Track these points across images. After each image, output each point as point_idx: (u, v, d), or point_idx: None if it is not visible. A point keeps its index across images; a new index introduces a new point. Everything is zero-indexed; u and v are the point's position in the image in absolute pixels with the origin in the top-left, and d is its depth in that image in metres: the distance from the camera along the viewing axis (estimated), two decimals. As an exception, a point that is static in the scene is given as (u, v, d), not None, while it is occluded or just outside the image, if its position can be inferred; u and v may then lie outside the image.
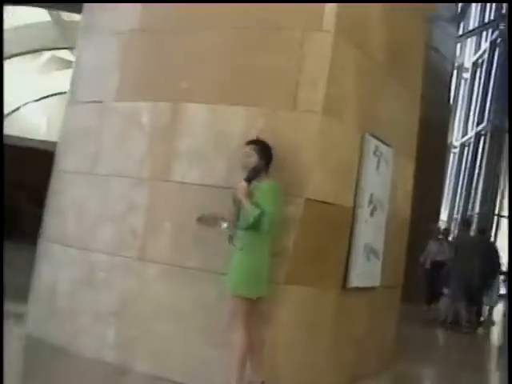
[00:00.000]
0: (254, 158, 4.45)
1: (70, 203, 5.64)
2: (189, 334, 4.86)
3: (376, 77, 5.52)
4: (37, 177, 10.05)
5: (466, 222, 12.47)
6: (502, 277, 12.91)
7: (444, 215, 22.35)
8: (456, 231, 18.65)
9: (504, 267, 12.91)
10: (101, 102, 5.59)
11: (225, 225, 4.53)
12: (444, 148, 16.56)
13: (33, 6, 19.22)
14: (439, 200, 17.01)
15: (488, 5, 22.64)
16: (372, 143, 5.37)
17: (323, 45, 4.88)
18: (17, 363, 5.30)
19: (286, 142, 4.72)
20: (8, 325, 6.45)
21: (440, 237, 12.64)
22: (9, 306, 7.08)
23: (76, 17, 17.05)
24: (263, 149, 4.50)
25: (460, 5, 19.72)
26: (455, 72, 21.68)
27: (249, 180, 4.34)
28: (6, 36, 23.41)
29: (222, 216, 4.54)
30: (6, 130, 29.46)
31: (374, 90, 5.51)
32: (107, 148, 5.47)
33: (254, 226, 4.26)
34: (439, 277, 11.84)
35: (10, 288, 8.19)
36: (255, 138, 4.57)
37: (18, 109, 32.09)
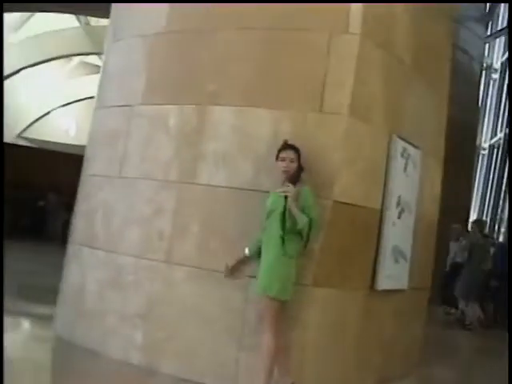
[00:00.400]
0: (295, 164, 4.49)
1: (98, 206, 5.69)
2: (215, 336, 4.86)
3: (403, 78, 5.48)
4: (66, 180, 10.16)
5: (478, 224, 12.25)
6: None
7: (474, 217, 22.10)
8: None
9: None
10: (128, 105, 5.63)
11: (246, 251, 4.69)
12: (473, 150, 16.39)
13: (60, 11, 19.42)
14: (468, 202, 16.83)
15: (517, 4, 22.33)
16: (399, 145, 5.33)
17: (349, 46, 4.87)
18: (45, 365, 5.36)
19: (313, 144, 4.71)
20: (37, 327, 6.55)
21: (460, 238, 12.49)
22: (37, 308, 7.19)
23: (104, 22, 17.24)
24: (300, 154, 4.55)
25: (488, 4, 19.50)
26: (484, 73, 21.43)
27: (294, 185, 4.41)
28: (35, 42, 23.81)
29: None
30: (36, 135, 29.97)
31: (401, 91, 5.47)
32: (134, 151, 5.50)
33: (302, 233, 4.35)
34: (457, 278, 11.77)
35: (38, 290, 8.32)
36: (291, 143, 4.57)
37: (47, 113, 32.47)
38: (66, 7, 17.14)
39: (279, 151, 4.55)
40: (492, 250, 11.92)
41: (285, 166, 4.49)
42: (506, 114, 22.30)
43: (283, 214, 4.36)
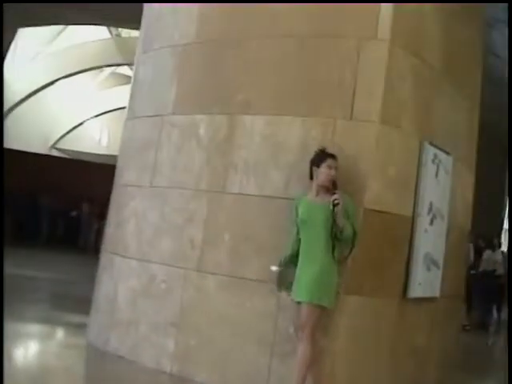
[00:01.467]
0: (336, 172, 4.52)
1: (130, 215, 5.75)
2: (247, 344, 4.87)
3: (433, 84, 5.44)
4: (99, 190, 10.29)
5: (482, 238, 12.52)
6: None
7: (507, 223, 21.77)
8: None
9: None
10: (159, 115, 5.69)
11: (273, 268, 4.61)
12: (505, 154, 16.16)
13: (92, 24, 19.69)
14: (501, 208, 16.61)
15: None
16: (430, 151, 5.29)
17: (379, 53, 4.86)
18: (79, 373, 5.42)
19: (344, 152, 4.70)
20: (70, 335, 6.63)
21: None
22: (71, 317, 7.28)
23: (134, 33, 17.44)
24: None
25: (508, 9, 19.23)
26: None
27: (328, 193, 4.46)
28: (67, 54, 24.17)
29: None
30: (69, 145, 30.37)
31: (432, 97, 5.43)
32: (166, 161, 5.55)
33: (348, 241, 4.44)
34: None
35: (72, 299, 8.43)
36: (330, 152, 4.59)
37: (80, 124, 32.89)
38: (98, 19, 17.38)
39: (323, 159, 4.52)
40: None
41: (332, 175, 4.49)
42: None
43: (332, 221, 4.37)
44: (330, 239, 4.38)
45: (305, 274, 4.40)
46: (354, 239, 4.44)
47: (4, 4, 8.54)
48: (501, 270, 11.76)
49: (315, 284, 4.36)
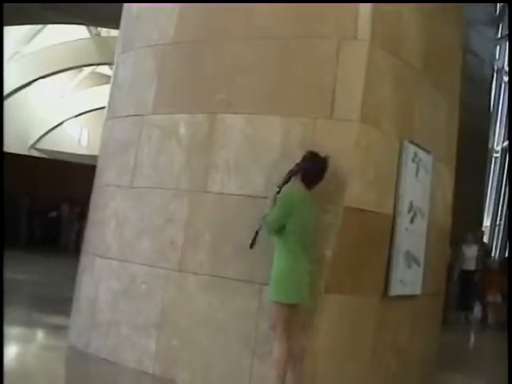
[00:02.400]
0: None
1: (111, 216, 5.71)
2: (229, 344, 4.86)
3: (413, 83, 5.47)
4: (79, 190, 10.23)
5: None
6: None
7: (487, 221, 21.97)
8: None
9: None
10: (139, 115, 5.66)
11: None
12: (485, 153, 16.30)
13: (71, 23, 19.56)
14: (481, 206, 16.74)
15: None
16: (411, 150, 5.32)
17: (359, 53, 4.87)
18: (60, 375, 5.39)
19: (324, 151, 4.69)
20: (51, 337, 6.58)
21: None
22: (51, 319, 7.22)
23: (114, 32, 17.35)
24: (302, 159, 4.55)
25: (498, 7, 19.44)
26: (495, 75, 21.35)
27: (278, 187, 4.50)
28: (46, 54, 23.98)
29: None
30: (49, 146, 30.15)
31: (412, 96, 5.46)
32: (146, 161, 5.52)
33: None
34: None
35: (52, 301, 8.36)
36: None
37: (59, 124, 32.68)
38: (77, 18, 17.26)
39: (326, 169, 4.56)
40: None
41: None
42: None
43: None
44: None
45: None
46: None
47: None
48: (478, 266, 12.32)
49: (272, 281, 4.38)
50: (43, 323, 7.11)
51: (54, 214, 18.74)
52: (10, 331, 6.46)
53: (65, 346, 5.93)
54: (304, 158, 4.53)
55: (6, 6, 13.55)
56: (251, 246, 4.50)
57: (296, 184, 4.50)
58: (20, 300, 8.52)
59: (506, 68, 24.79)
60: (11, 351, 5.88)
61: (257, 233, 4.49)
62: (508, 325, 10.08)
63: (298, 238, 4.38)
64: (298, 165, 4.51)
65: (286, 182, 4.50)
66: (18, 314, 7.36)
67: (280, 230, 4.39)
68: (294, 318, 4.40)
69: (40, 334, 6.81)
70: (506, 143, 23.61)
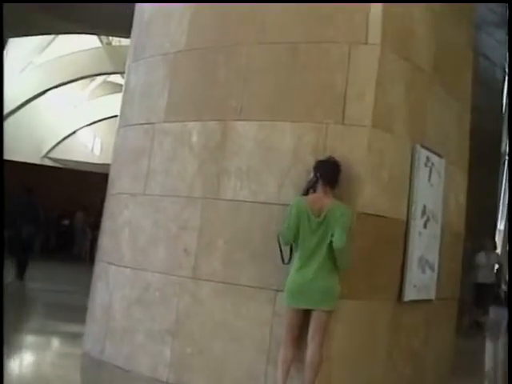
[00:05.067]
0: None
1: (124, 224, 5.73)
2: (244, 350, 4.86)
3: (424, 87, 5.46)
4: (92, 199, 10.26)
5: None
6: None
7: (501, 224, 21.82)
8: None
9: None
10: (151, 123, 5.68)
11: None
12: (497, 156, 16.19)
13: (82, 33, 19.67)
14: (495, 209, 16.62)
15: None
16: (423, 154, 5.31)
17: (369, 58, 4.87)
18: (74, 382, 5.40)
19: (336, 157, 4.70)
20: (66, 345, 6.61)
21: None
22: (66, 327, 7.25)
23: (125, 41, 17.44)
24: (314, 166, 4.67)
25: (508, 9, 19.33)
26: (506, 78, 21.23)
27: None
28: (58, 63, 24.14)
29: None
30: (62, 155, 30.30)
31: (423, 100, 5.45)
32: (158, 169, 5.54)
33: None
34: None
35: (67, 309, 8.40)
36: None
37: (72, 133, 32.83)
38: (88, 28, 17.36)
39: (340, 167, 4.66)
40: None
41: None
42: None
43: None
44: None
45: None
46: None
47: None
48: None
49: None
50: (58, 331, 7.13)
51: (66, 222, 18.82)
52: (26, 339, 6.51)
53: (79, 353, 5.94)
54: (316, 166, 4.64)
55: (16, 17, 13.68)
56: (283, 261, 4.66)
57: (318, 193, 4.62)
58: (35, 308, 8.57)
59: (518, 70, 24.63)
60: (26, 359, 5.92)
61: (279, 245, 4.62)
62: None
63: (302, 246, 4.52)
64: (314, 174, 4.63)
65: (304, 193, 4.65)
66: (33, 322, 7.41)
67: (296, 240, 4.54)
68: (301, 322, 4.50)
69: (55, 342, 6.84)
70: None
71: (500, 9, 15.86)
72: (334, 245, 4.41)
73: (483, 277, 11.05)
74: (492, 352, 10.09)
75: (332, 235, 4.44)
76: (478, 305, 11.24)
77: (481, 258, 11.18)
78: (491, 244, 11.83)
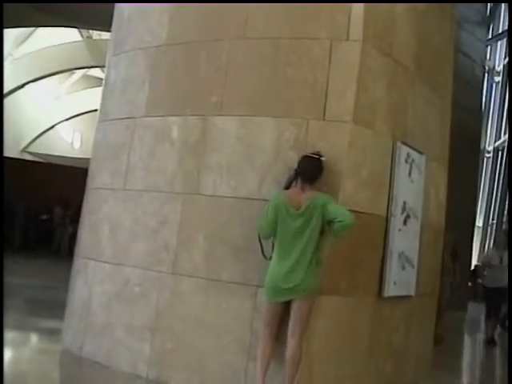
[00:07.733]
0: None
1: (104, 219, 5.69)
2: (224, 346, 4.85)
3: (405, 83, 5.48)
4: (72, 194, 10.18)
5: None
6: None
7: (479, 221, 22.04)
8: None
9: None
10: (131, 118, 5.64)
11: None
12: (477, 153, 16.34)
13: (62, 26, 19.51)
14: (474, 206, 16.77)
15: (518, 6, 22.37)
16: (404, 150, 5.33)
17: (351, 54, 4.88)
18: (53, 378, 5.37)
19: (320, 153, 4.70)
20: (44, 341, 6.55)
21: None
22: (45, 322, 7.19)
23: (105, 35, 17.30)
24: (298, 162, 4.68)
25: (489, 7, 19.51)
26: (486, 75, 21.43)
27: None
28: (38, 57, 23.91)
29: None
30: (41, 149, 30.05)
31: (405, 97, 5.47)
32: (138, 164, 5.51)
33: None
34: None
35: (45, 304, 8.33)
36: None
37: (51, 127, 32.57)
38: (68, 21, 17.21)
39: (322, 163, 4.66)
40: None
41: None
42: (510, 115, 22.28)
43: None
44: None
45: None
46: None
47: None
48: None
49: None
50: (37, 327, 7.07)
51: (45, 216, 18.67)
52: (4, 335, 6.43)
53: (58, 349, 5.90)
54: (298, 162, 4.64)
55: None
56: (264, 256, 4.66)
57: (296, 188, 4.60)
58: (13, 304, 8.48)
59: (497, 68, 24.90)
60: (4, 355, 5.85)
61: (260, 240, 4.64)
62: (508, 325, 10.03)
63: (279, 241, 4.53)
64: (295, 170, 4.62)
65: (286, 187, 4.65)
66: (11, 318, 7.32)
67: (275, 233, 4.55)
68: (280, 317, 4.52)
69: (33, 338, 6.78)
70: (498, 143, 23.70)
71: (480, 7, 15.97)
72: (345, 224, 4.36)
73: (494, 280, 9.22)
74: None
75: (332, 222, 4.40)
76: (494, 316, 9.52)
77: (492, 257, 9.47)
78: (504, 240, 9.76)
